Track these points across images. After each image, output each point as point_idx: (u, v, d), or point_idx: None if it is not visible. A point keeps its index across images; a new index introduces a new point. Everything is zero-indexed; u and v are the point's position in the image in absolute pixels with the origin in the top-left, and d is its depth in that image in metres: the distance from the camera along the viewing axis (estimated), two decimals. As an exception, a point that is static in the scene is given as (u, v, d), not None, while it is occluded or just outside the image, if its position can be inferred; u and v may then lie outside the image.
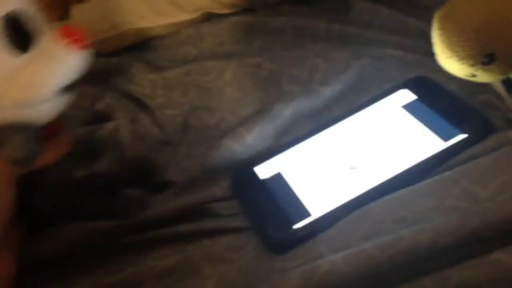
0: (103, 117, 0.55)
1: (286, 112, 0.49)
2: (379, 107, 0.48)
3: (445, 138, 0.43)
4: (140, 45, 0.61)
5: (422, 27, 0.53)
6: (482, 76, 0.40)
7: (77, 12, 0.62)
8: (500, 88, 0.43)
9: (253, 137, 0.48)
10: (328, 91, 0.51)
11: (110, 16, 0.61)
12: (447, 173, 0.40)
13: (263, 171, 0.45)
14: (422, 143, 0.43)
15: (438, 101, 0.46)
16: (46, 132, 0.36)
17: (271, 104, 0.50)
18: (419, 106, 0.46)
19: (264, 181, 0.44)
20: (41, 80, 0.33)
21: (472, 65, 0.39)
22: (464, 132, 0.43)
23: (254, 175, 0.45)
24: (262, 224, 0.42)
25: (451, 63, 0.40)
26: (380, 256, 0.34)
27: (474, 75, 0.40)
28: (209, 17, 0.62)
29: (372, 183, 0.41)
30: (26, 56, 0.33)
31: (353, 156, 0.44)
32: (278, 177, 0.44)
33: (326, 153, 0.45)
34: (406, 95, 0.48)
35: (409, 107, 0.47)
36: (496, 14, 0.38)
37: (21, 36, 0.33)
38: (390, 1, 0.60)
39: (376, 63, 0.52)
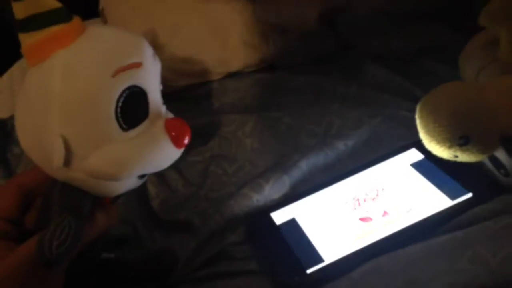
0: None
1: (302, 163, 0.52)
2: (389, 164, 0.50)
3: (452, 197, 0.45)
4: (167, 95, 0.65)
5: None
6: (463, 157, 0.44)
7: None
8: (491, 167, 0.46)
9: (270, 187, 0.50)
10: (342, 145, 0.53)
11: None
12: (459, 234, 0.41)
13: (278, 216, 0.47)
14: (429, 200, 0.46)
15: (445, 160, 0.49)
16: (101, 202, 0.35)
17: (288, 156, 0.53)
18: (427, 165, 0.49)
19: (278, 226, 0.46)
20: (131, 162, 0.31)
21: (450, 147, 0.43)
22: (470, 192, 0.45)
23: (269, 220, 0.47)
24: (276, 268, 0.43)
25: (433, 146, 0.44)
26: None
27: (456, 156, 0.44)
28: (233, 73, 0.67)
29: (382, 234, 0.43)
30: (129, 133, 0.31)
31: (363, 208, 0.46)
32: (292, 223, 0.46)
33: (338, 203, 0.47)
34: (414, 154, 0.51)
35: (417, 166, 0.49)
36: (465, 101, 0.43)
37: (134, 112, 0.31)
38: (403, 69, 0.64)
39: (389, 123, 0.55)
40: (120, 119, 0.30)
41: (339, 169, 0.52)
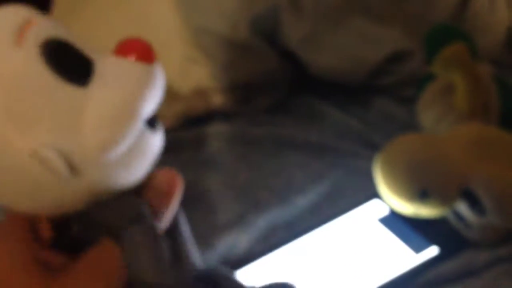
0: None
1: (260, 222, 0.49)
2: (355, 219, 0.48)
3: (417, 250, 0.44)
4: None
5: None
6: (425, 211, 0.43)
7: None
8: (454, 220, 0.45)
9: (225, 246, 0.47)
10: (303, 201, 0.51)
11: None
12: None
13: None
14: (394, 256, 0.44)
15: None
16: None
17: (245, 214, 0.50)
18: (393, 219, 0.47)
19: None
20: (117, 107, 0.26)
21: (410, 201, 0.43)
22: (435, 245, 0.44)
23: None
24: None
25: (392, 201, 0.44)
26: None
27: (417, 211, 0.44)
28: (186, 124, 0.64)
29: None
30: (90, 87, 0.26)
31: (326, 269, 0.44)
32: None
33: (298, 265, 0.45)
34: (378, 206, 0.49)
35: (384, 221, 0.47)
36: (422, 154, 0.44)
37: (75, 67, 0.26)
38: (362, 115, 0.63)
39: (350, 175, 0.54)
40: (61, 80, 0.25)
41: (301, 227, 0.49)
